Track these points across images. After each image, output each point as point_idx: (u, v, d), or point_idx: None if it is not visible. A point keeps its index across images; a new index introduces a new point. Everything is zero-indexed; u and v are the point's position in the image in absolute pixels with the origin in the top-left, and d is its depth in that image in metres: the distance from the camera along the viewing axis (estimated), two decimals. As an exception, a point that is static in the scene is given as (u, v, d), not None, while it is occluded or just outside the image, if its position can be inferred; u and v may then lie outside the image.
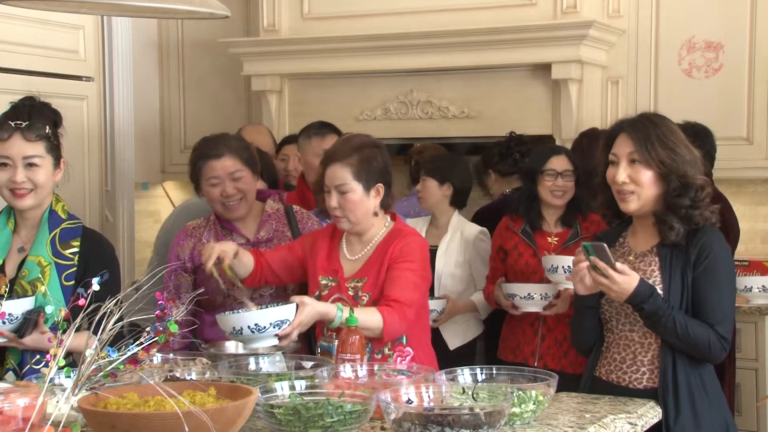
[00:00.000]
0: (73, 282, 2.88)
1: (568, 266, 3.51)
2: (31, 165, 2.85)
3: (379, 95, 5.27)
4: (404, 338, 3.03)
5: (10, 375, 2.82)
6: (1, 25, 4.57)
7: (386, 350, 3.01)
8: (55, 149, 2.91)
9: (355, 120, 5.22)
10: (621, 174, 2.74)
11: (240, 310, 2.87)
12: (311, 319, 2.82)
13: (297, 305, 2.79)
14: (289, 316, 2.77)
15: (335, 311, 2.83)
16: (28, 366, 2.81)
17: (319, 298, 3.03)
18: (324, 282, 3.06)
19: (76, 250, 2.92)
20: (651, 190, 2.73)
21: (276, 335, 2.76)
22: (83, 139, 5.05)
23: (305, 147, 4.31)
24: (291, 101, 5.49)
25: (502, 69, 4.96)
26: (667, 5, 4.87)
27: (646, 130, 2.73)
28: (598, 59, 4.90)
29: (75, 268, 2.90)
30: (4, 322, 2.68)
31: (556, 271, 3.59)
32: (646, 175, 2.72)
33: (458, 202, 4.16)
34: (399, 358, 3.00)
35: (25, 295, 2.81)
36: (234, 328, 2.76)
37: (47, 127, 2.88)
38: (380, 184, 3.01)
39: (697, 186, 2.72)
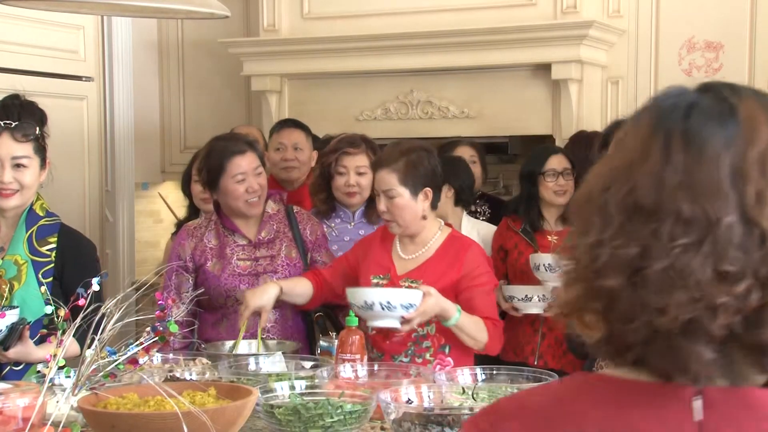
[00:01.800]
0: (51, 279, 2.85)
1: (549, 264, 3.53)
2: (18, 166, 2.82)
3: (379, 95, 5.26)
4: (447, 347, 3.05)
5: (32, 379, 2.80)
6: (1, 25, 4.58)
7: (428, 356, 3.02)
8: (42, 150, 2.89)
9: (355, 120, 5.22)
10: None
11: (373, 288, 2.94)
12: (433, 311, 2.87)
13: (423, 294, 2.84)
14: (416, 301, 2.82)
15: (455, 311, 2.90)
16: (9, 368, 2.79)
17: None
18: (375, 281, 3.10)
19: (53, 246, 2.89)
20: None
21: (402, 317, 2.80)
22: (83, 139, 5.06)
23: (269, 143, 4.49)
24: (291, 101, 5.49)
25: (502, 69, 4.95)
26: (667, 5, 4.87)
27: None
28: (598, 59, 4.90)
29: (52, 265, 2.87)
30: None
31: (539, 269, 3.60)
32: None
33: (463, 201, 4.12)
34: (438, 366, 3.01)
35: (11, 306, 2.77)
36: (366, 301, 2.82)
37: (36, 127, 2.86)
38: (428, 188, 3.04)
39: None
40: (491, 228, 4.10)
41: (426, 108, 5.16)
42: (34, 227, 2.90)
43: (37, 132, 2.85)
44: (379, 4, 5.16)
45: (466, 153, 4.44)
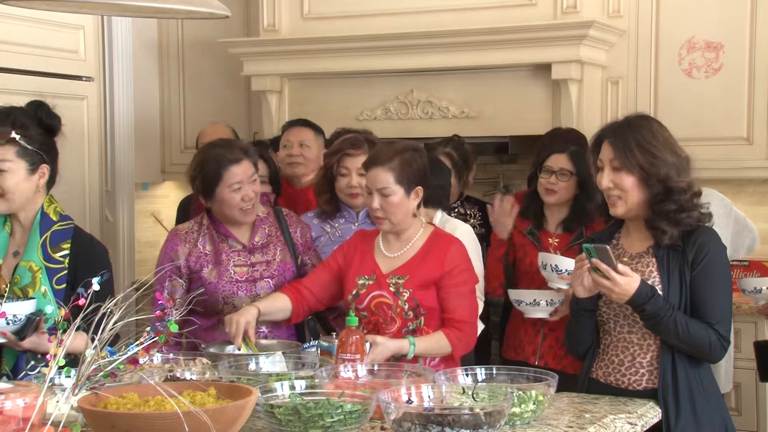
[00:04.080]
0: (64, 285, 2.87)
1: (555, 265, 3.54)
2: None
3: (379, 95, 5.26)
4: None
5: (4, 381, 2.81)
6: (1, 25, 4.57)
7: None
8: (29, 154, 2.88)
9: (355, 120, 5.21)
10: (605, 180, 2.78)
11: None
12: (383, 358, 2.89)
13: (370, 344, 2.87)
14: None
15: (407, 346, 2.95)
16: (23, 372, 2.81)
17: (357, 296, 3.12)
18: (361, 282, 3.14)
19: (66, 252, 2.92)
20: (635, 194, 2.75)
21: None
22: (83, 139, 5.06)
23: (280, 142, 4.53)
24: (291, 101, 5.49)
25: (502, 69, 4.95)
26: (667, 5, 4.87)
27: (625, 136, 2.75)
28: (598, 59, 4.90)
29: (65, 271, 2.89)
30: (8, 323, 2.68)
31: (545, 269, 3.61)
32: (629, 181, 2.74)
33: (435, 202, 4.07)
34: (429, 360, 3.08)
35: (28, 298, 2.81)
36: None
37: (12, 131, 2.84)
38: (420, 187, 3.09)
39: (680, 189, 2.72)
40: (463, 225, 3.99)
41: (426, 108, 5.16)
42: (48, 233, 2.92)
43: (12, 135, 2.84)
44: (379, 4, 5.16)
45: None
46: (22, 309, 2.73)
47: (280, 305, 3.19)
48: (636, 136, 2.73)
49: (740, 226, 4.33)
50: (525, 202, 3.97)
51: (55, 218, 2.95)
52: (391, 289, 3.08)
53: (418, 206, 3.14)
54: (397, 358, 2.95)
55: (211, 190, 3.32)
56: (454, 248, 3.12)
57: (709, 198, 2.99)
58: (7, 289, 2.82)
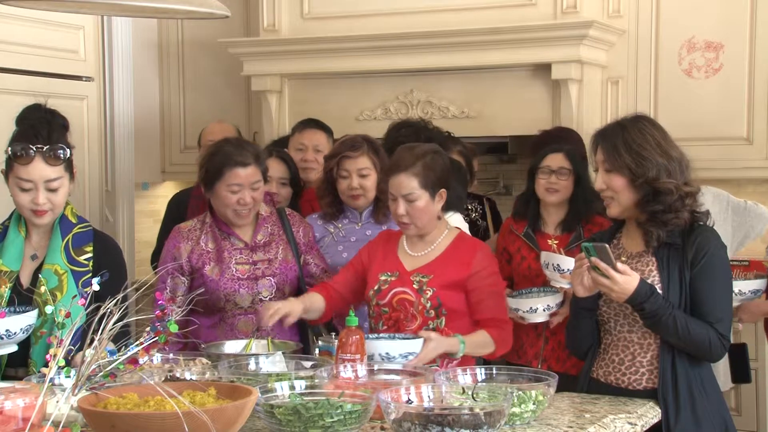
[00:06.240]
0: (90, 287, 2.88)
1: (557, 264, 3.55)
2: (51, 189, 2.85)
3: (379, 95, 5.26)
4: None
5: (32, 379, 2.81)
6: (1, 25, 4.57)
7: None
8: (69, 163, 2.91)
9: (355, 120, 5.22)
10: (598, 182, 2.82)
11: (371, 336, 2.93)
12: (435, 355, 2.90)
13: (424, 340, 2.88)
14: (416, 349, 2.86)
15: (457, 346, 2.97)
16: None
17: (379, 291, 3.15)
18: (384, 278, 3.16)
19: (89, 255, 2.93)
20: (626, 195, 2.76)
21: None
22: (83, 139, 5.05)
23: (290, 142, 4.46)
24: (291, 101, 5.49)
25: (502, 69, 4.95)
26: (667, 5, 4.87)
27: (614, 138, 2.77)
28: (598, 59, 4.90)
29: (90, 274, 2.90)
30: (1, 338, 2.65)
31: (547, 268, 3.61)
32: (619, 182, 2.76)
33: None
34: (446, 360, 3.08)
35: (27, 309, 2.76)
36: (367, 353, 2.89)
37: (69, 150, 2.87)
38: (443, 189, 3.11)
39: (667, 190, 2.71)
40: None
41: (426, 108, 5.16)
42: (69, 235, 2.93)
43: (69, 154, 2.86)
44: (379, 4, 5.16)
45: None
46: (19, 323, 2.67)
47: (317, 306, 3.22)
48: (624, 137, 2.75)
49: (740, 215, 4.28)
50: (522, 204, 3.95)
51: (73, 220, 2.96)
52: (414, 286, 3.10)
53: (442, 208, 3.16)
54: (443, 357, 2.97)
55: (211, 183, 3.35)
56: (481, 251, 3.14)
57: (703, 197, 2.99)
58: (7, 289, 2.81)
